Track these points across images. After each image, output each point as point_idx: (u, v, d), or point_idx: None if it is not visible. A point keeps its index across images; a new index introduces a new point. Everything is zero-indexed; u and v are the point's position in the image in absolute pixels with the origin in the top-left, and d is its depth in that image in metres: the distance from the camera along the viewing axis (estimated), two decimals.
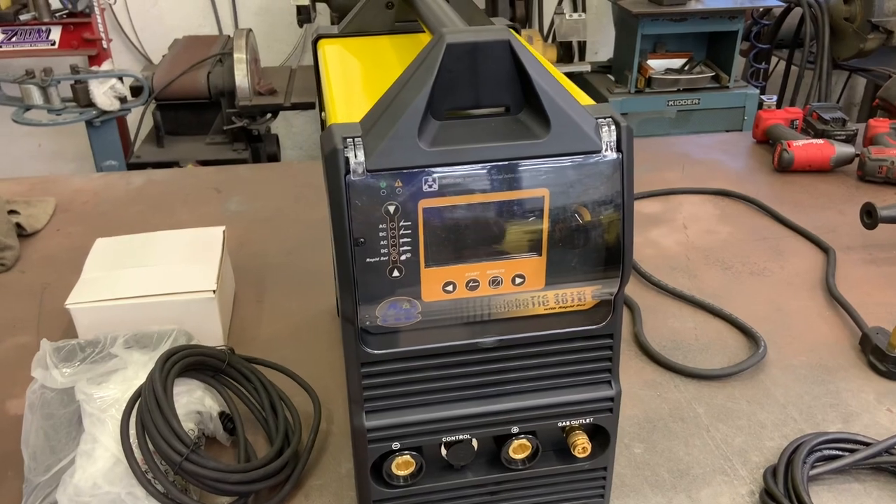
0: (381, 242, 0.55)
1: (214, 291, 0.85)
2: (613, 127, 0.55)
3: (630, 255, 0.58)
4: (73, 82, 2.10)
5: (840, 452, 0.73)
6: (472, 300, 0.58)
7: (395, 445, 0.61)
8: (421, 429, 0.61)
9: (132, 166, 2.25)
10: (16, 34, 2.40)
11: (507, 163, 0.54)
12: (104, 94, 2.09)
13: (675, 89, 2.70)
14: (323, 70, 0.74)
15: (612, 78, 2.81)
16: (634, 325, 0.95)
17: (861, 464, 0.72)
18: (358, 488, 0.64)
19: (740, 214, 1.25)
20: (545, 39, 2.85)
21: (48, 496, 0.65)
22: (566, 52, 2.63)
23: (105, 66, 2.32)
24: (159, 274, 0.88)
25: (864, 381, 0.86)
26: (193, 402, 0.73)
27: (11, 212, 1.21)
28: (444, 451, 0.63)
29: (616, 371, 0.63)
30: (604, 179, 0.56)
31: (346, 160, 0.52)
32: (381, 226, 0.54)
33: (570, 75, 2.75)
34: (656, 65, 2.73)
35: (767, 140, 1.54)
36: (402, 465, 0.62)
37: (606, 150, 0.55)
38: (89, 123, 2.20)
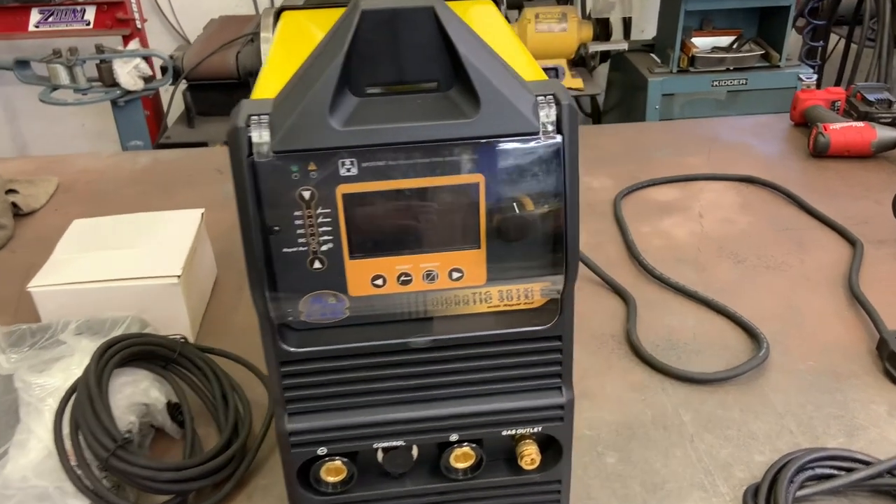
0: (299, 231, 0.50)
1: (179, 277, 0.82)
2: (554, 106, 0.48)
3: (575, 250, 0.52)
4: (98, 62, 2.11)
5: (835, 471, 0.66)
6: (406, 296, 0.53)
7: (322, 451, 0.56)
8: (350, 433, 0.56)
9: (161, 146, 2.25)
10: (52, 14, 2.43)
11: (434, 145, 0.48)
12: (128, 73, 2.09)
13: (722, 69, 2.57)
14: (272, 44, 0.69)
15: (655, 57, 2.69)
16: (627, 321, 0.88)
17: (858, 485, 0.65)
18: (288, 494, 0.59)
19: (764, 203, 1.16)
20: (583, 16, 2.74)
21: None
22: (602, 30, 2.52)
23: (131, 45, 2.32)
24: (127, 258, 0.86)
25: (877, 390, 0.78)
26: (138, 393, 0.70)
27: (10, 191, 1.21)
28: (380, 458, 0.58)
29: (568, 376, 0.57)
30: (543, 165, 0.49)
31: (249, 140, 0.47)
32: (296, 213, 0.49)
33: (607, 54, 2.65)
34: (702, 43, 2.59)
35: (805, 123, 1.43)
36: (332, 472, 0.58)
37: (545, 131, 0.49)
38: (114, 103, 2.21)
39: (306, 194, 0.49)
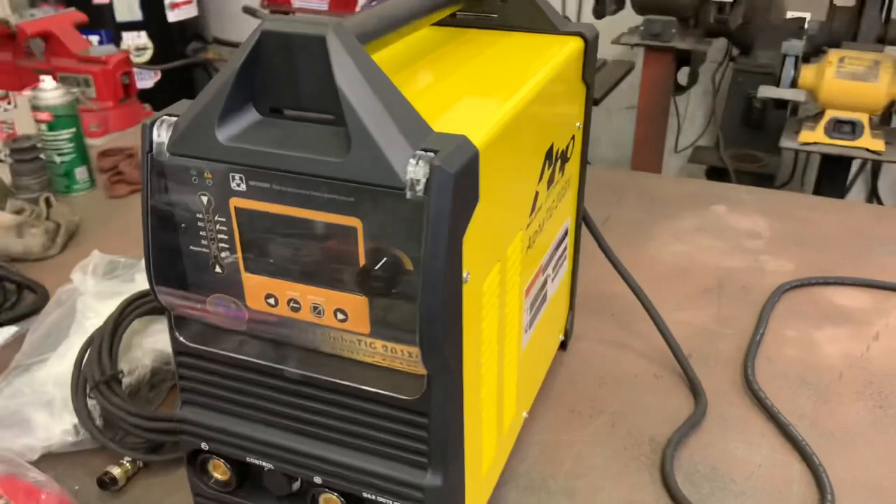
0: (202, 233, 0.51)
1: None
2: (425, 165, 0.43)
3: (436, 327, 0.46)
4: None
5: None
6: (296, 323, 0.52)
7: (204, 445, 0.58)
8: (228, 439, 0.57)
9: None
10: None
11: (311, 178, 0.46)
12: None
13: None
14: None
15: None
16: (680, 428, 0.74)
17: None
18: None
19: None
20: None
21: (15, 381, 0.76)
22: None
23: None
24: None
25: None
26: (161, 341, 0.78)
27: None
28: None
29: (440, 461, 0.51)
30: (406, 224, 0.45)
31: (151, 138, 0.50)
32: (198, 215, 0.51)
33: None
34: None
35: None
36: (217, 469, 0.59)
37: (412, 189, 0.44)
38: None
39: (204, 199, 0.50)
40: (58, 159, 1.24)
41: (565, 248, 0.78)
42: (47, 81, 1.22)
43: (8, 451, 0.70)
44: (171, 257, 0.52)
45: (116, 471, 0.69)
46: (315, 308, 0.50)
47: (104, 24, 2.66)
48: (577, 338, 0.89)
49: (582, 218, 0.82)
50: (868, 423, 0.77)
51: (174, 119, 0.49)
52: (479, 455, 0.60)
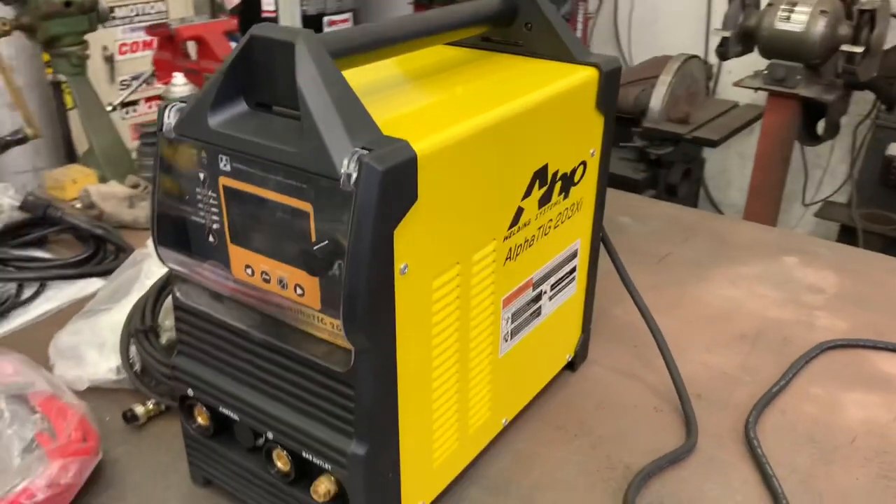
0: (199, 205, 0.60)
1: None
2: (357, 162, 0.49)
3: (357, 305, 0.51)
4: None
5: None
6: (267, 293, 0.59)
7: (190, 392, 0.66)
8: (205, 388, 0.65)
9: None
10: None
11: (274, 164, 0.54)
12: None
13: None
14: None
15: None
16: (657, 460, 0.74)
17: None
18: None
19: None
20: None
21: (81, 322, 0.88)
22: None
23: None
24: None
25: None
26: None
27: None
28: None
29: (364, 432, 0.56)
30: (338, 212, 0.51)
31: (163, 119, 0.59)
32: (197, 189, 0.60)
33: None
34: None
35: None
36: (200, 415, 0.67)
37: (345, 181, 0.50)
38: None
39: (201, 175, 0.59)
40: None
41: (574, 270, 0.81)
42: (178, 78, 1.39)
43: (61, 377, 0.82)
44: (172, 223, 0.61)
45: (139, 409, 0.79)
46: (280, 281, 0.57)
47: None
48: (590, 362, 0.91)
49: (599, 241, 0.84)
50: (866, 491, 0.73)
51: (182, 105, 0.58)
52: (428, 444, 0.64)
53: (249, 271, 0.59)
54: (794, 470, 0.75)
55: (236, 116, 0.56)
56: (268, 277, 0.58)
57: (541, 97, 0.66)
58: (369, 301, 0.52)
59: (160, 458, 0.75)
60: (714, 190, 3.04)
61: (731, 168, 2.97)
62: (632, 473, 0.74)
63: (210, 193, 0.59)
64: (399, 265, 0.54)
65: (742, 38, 1.91)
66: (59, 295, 1.05)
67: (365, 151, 0.50)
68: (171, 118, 0.58)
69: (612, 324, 0.98)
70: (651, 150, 2.13)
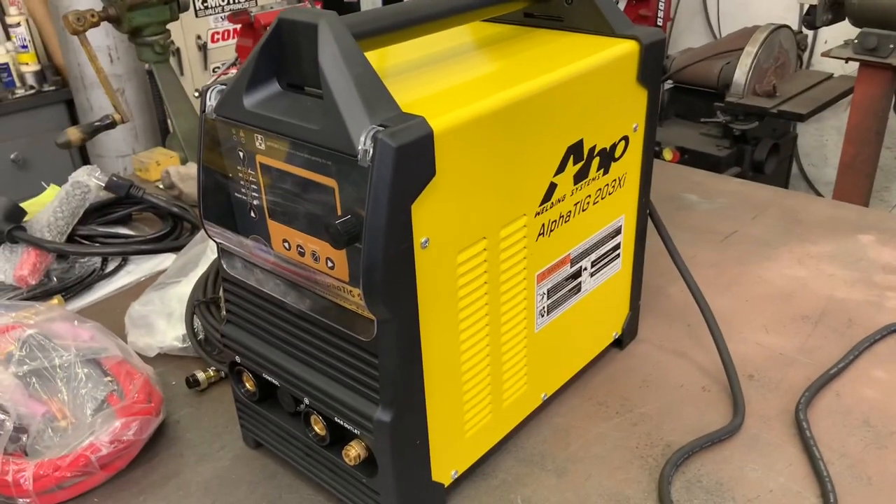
0: (241, 183, 0.64)
1: None
2: (372, 140, 0.51)
3: (375, 276, 0.54)
4: None
5: None
6: (303, 266, 0.62)
7: (238, 359, 0.70)
8: (251, 355, 0.69)
9: None
10: None
11: (301, 143, 0.56)
12: None
13: None
14: None
15: None
16: (699, 439, 0.73)
17: None
18: None
19: None
20: None
21: (152, 293, 0.95)
22: None
23: None
24: None
25: None
26: None
27: None
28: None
29: (388, 398, 0.58)
30: (357, 187, 0.53)
31: (205, 101, 0.62)
32: (238, 167, 0.63)
33: None
34: None
35: None
36: (248, 381, 0.71)
37: (362, 158, 0.52)
38: None
39: (241, 154, 0.62)
40: None
41: (618, 247, 0.80)
42: None
43: (133, 344, 0.88)
44: (217, 200, 0.65)
45: (201, 375, 0.84)
46: (314, 254, 0.60)
47: None
48: (639, 340, 0.90)
49: (647, 217, 0.83)
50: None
51: (223, 87, 0.62)
52: (459, 415, 0.66)
53: (286, 245, 0.62)
54: (843, 454, 0.73)
55: (269, 97, 0.59)
56: (303, 251, 0.61)
57: (572, 72, 0.66)
58: (387, 273, 0.54)
59: (217, 420, 0.80)
60: (809, 167, 2.90)
61: (827, 144, 2.83)
62: (671, 452, 0.74)
63: (249, 171, 0.62)
64: (419, 239, 0.56)
65: (832, 6, 1.81)
66: (140, 268, 1.12)
67: (381, 128, 0.52)
68: (212, 100, 0.62)
69: (667, 303, 0.97)
70: (735, 126, 2.06)
